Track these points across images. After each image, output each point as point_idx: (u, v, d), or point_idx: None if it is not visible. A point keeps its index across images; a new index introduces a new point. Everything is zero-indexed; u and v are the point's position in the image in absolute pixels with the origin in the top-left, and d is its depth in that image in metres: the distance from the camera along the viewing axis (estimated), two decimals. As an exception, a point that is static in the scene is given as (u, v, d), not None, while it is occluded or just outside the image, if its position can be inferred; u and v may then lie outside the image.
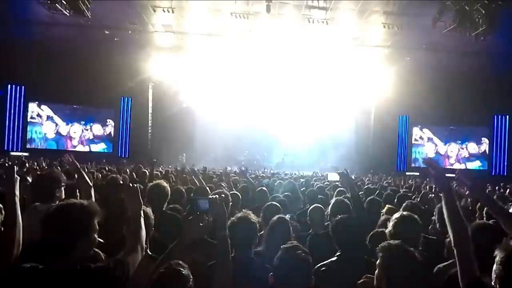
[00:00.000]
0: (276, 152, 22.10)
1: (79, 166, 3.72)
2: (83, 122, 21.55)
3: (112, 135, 21.93)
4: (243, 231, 2.60)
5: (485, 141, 22.36)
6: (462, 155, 22.65)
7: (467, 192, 2.23)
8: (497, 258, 1.77)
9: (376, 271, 2.10)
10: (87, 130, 21.64)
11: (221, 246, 2.30)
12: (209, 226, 2.44)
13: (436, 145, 22.82)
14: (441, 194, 2.11)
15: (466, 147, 22.58)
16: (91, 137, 21.77)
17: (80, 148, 21.25)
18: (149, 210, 2.74)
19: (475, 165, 22.42)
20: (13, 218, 2.10)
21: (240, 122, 21.16)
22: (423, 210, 3.69)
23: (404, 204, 3.76)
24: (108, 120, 21.98)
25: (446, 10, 12.49)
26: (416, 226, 2.80)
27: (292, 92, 20.61)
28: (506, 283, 1.73)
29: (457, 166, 22.38)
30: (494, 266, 1.78)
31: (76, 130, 21.50)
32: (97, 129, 21.84)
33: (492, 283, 1.78)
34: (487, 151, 22.32)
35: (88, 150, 21.37)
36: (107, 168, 9.67)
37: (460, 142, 22.56)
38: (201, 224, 2.38)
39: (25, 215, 2.44)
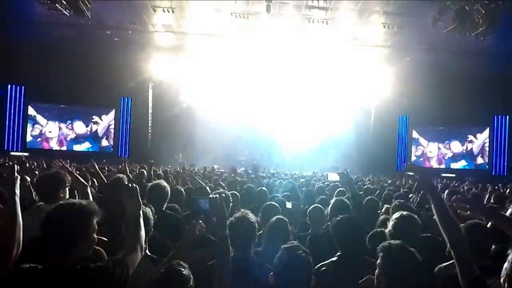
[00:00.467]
0: (276, 152, 22.09)
1: (70, 169, 3.72)
2: (69, 122, 21.05)
3: (99, 133, 21.50)
4: (241, 231, 2.60)
5: (472, 138, 22.20)
6: (446, 156, 22.58)
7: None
8: (510, 257, 1.76)
9: (377, 271, 2.10)
10: (68, 129, 21.02)
11: (221, 245, 2.30)
12: (212, 226, 2.46)
13: (418, 146, 22.87)
14: (428, 197, 2.09)
15: (450, 147, 22.52)
16: (73, 136, 21.13)
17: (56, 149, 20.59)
18: (149, 211, 2.75)
19: (460, 164, 22.39)
20: (13, 217, 2.10)
21: (240, 122, 21.15)
22: (411, 208, 3.69)
23: (393, 204, 3.78)
24: (93, 117, 21.35)
25: (446, 10, 12.49)
26: (416, 225, 2.80)
27: (292, 92, 20.61)
28: None
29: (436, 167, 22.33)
30: (506, 264, 1.77)
31: (51, 129, 20.78)
32: (79, 127, 21.16)
33: (501, 280, 1.77)
34: (474, 150, 22.23)
35: (65, 150, 20.67)
36: (107, 168, 9.66)
37: (447, 141, 22.50)
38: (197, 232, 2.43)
39: (27, 215, 2.44)
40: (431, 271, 2.71)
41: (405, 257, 2.04)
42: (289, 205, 4.36)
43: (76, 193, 3.54)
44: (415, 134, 22.77)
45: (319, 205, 4.11)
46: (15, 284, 1.79)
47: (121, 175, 4.73)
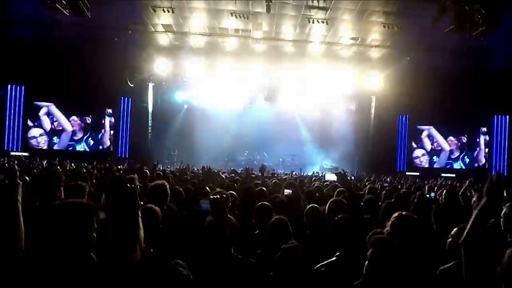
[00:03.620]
0: (276, 152, 22.10)
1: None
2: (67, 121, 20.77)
3: (99, 133, 21.19)
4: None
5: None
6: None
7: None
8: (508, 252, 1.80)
9: (366, 262, 2.15)
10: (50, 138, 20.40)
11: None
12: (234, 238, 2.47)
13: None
14: (485, 200, 2.06)
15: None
16: (72, 136, 20.63)
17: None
18: (157, 209, 2.77)
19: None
20: (15, 224, 2.07)
21: (240, 122, 21.16)
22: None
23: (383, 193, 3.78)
24: (93, 117, 20.68)
25: (446, 10, 12.47)
26: (415, 226, 2.80)
27: (292, 92, 20.60)
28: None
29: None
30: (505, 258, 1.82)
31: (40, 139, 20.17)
32: (79, 127, 20.60)
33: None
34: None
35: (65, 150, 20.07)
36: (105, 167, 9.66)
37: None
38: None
39: (25, 215, 2.43)
40: (431, 270, 2.72)
41: (390, 251, 2.08)
42: (287, 191, 4.40)
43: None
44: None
45: (315, 205, 4.11)
46: (17, 284, 1.79)
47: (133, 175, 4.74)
